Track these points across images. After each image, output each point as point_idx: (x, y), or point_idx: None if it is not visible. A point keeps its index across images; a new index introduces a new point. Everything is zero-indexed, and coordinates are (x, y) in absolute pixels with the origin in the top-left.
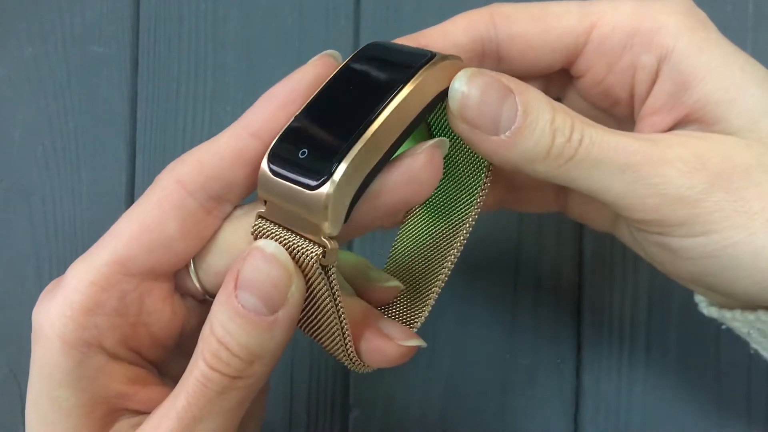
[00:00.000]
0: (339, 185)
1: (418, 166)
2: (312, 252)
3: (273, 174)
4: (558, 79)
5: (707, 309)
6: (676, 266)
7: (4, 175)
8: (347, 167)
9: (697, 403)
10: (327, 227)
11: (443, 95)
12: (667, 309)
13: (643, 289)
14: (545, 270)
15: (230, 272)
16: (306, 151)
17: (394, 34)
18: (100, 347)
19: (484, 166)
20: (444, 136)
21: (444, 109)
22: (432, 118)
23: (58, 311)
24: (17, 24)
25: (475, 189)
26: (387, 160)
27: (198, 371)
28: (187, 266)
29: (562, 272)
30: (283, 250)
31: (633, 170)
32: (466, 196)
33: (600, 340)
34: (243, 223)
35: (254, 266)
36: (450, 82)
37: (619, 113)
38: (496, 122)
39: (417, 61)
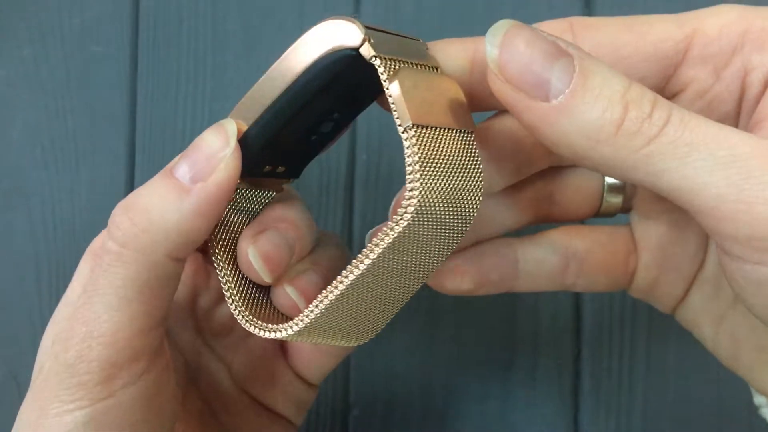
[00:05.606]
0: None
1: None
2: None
3: None
4: None
5: None
6: None
7: (3, 176)
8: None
9: (697, 404)
10: None
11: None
12: None
13: None
14: None
15: None
16: None
17: None
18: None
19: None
20: None
21: None
22: None
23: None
24: (16, 23)
25: None
26: (282, 121)
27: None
28: None
29: None
30: (234, 125)
31: (741, 163)
32: None
33: (600, 340)
34: None
35: (203, 136)
36: (334, 39)
37: None
38: (544, 83)
39: None
